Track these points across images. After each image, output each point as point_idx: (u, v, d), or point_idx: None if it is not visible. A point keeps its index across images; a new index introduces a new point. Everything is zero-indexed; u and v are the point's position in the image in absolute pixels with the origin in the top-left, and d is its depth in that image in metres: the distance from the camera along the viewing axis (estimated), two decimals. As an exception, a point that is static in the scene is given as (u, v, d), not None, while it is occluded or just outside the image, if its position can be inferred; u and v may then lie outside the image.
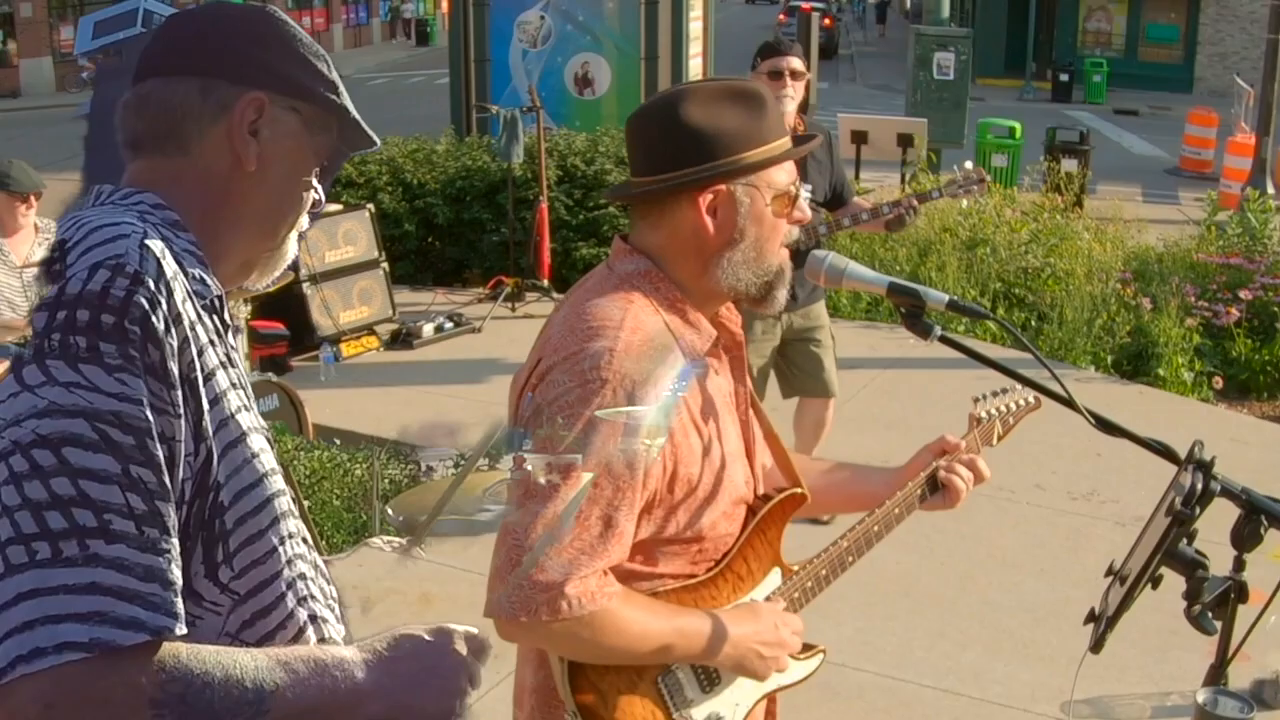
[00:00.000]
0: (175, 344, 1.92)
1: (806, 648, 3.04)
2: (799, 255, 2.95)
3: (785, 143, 2.80)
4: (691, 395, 2.76)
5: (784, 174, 2.80)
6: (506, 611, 2.56)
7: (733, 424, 2.91)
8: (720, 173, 2.71)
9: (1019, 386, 3.37)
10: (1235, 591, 2.77)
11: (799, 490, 2.99)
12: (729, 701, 2.89)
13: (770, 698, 3.05)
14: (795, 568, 2.99)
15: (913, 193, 7.43)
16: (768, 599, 2.92)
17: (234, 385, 2.11)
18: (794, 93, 7.12)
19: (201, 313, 2.05)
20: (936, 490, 3.19)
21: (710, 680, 2.84)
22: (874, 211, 7.25)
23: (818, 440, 7.70)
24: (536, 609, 2.52)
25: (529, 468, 2.57)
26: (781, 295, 2.86)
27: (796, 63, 7.13)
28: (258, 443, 2.13)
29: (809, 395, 7.70)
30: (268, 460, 2.15)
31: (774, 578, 2.96)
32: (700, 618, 2.73)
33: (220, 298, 2.15)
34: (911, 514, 3.17)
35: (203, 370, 1.99)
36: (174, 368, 1.91)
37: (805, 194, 2.87)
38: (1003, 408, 3.42)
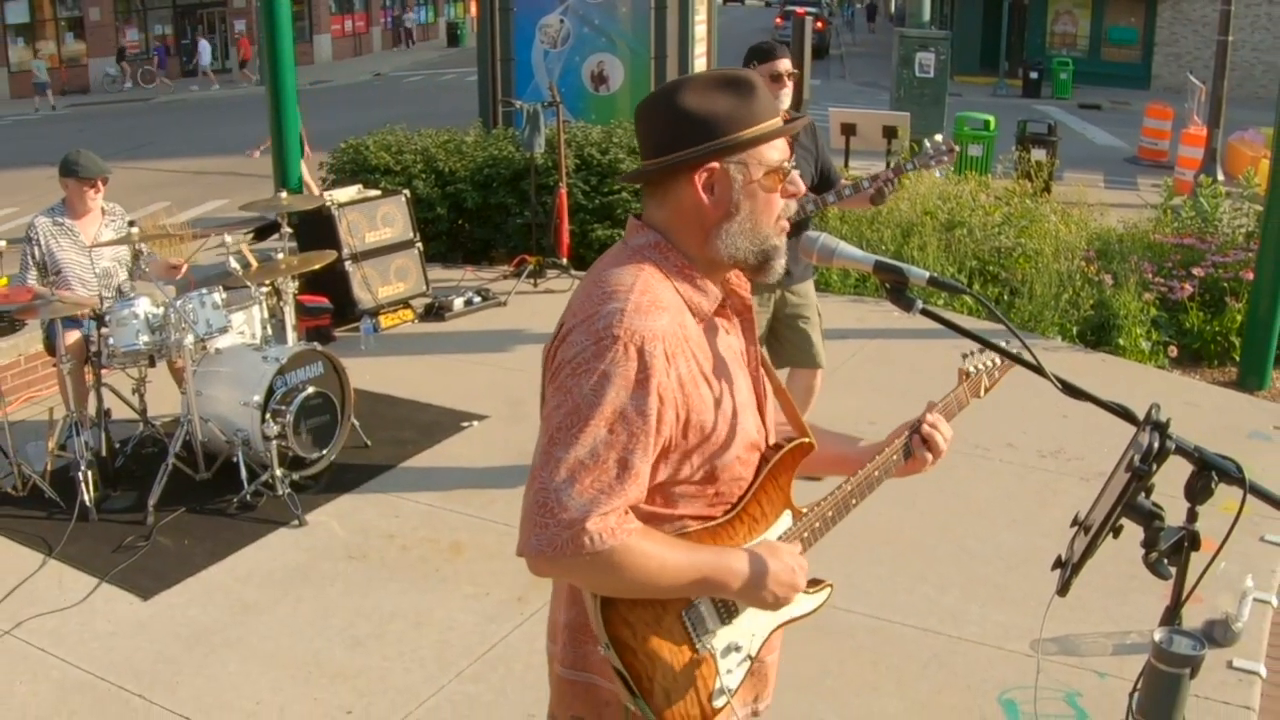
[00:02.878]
0: None
1: (814, 583, 3.05)
2: (791, 233, 2.94)
3: (775, 123, 2.79)
4: (701, 350, 2.76)
5: (775, 152, 2.79)
6: (535, 549, 2.56)
7: (744, 378, 2.91)
8: (712, 151, 2.72)
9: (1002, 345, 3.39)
10: (1189, 540, 2.77)
11: (807, 440, 2.99)
12: (746, 632, 2.90)
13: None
14: (804, 510, 2.99)
15: (890, 166, 7.38)
16: (780, 539, 2.92)
17: None
18: (789, 90, 7.14)
19: None
20: (910, 456, 3.18)
21: (729, 612, 2.85)
22: (855, 186, 7.24)
23: (807, 406, 7.69)
24: (562, 545, 2.54)
25: (553, 417, 2.63)
26: (779, 265, 2.85)
27: (789, 64, 7.15)
28: None
29: (799, 366, 7.69)
30: None
31: (785, 520, 2.96)
32: (717, 554, 2.73)
33: None
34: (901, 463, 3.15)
35: None
36: None
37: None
38: (989, 362, 3.41)
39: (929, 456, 3.17)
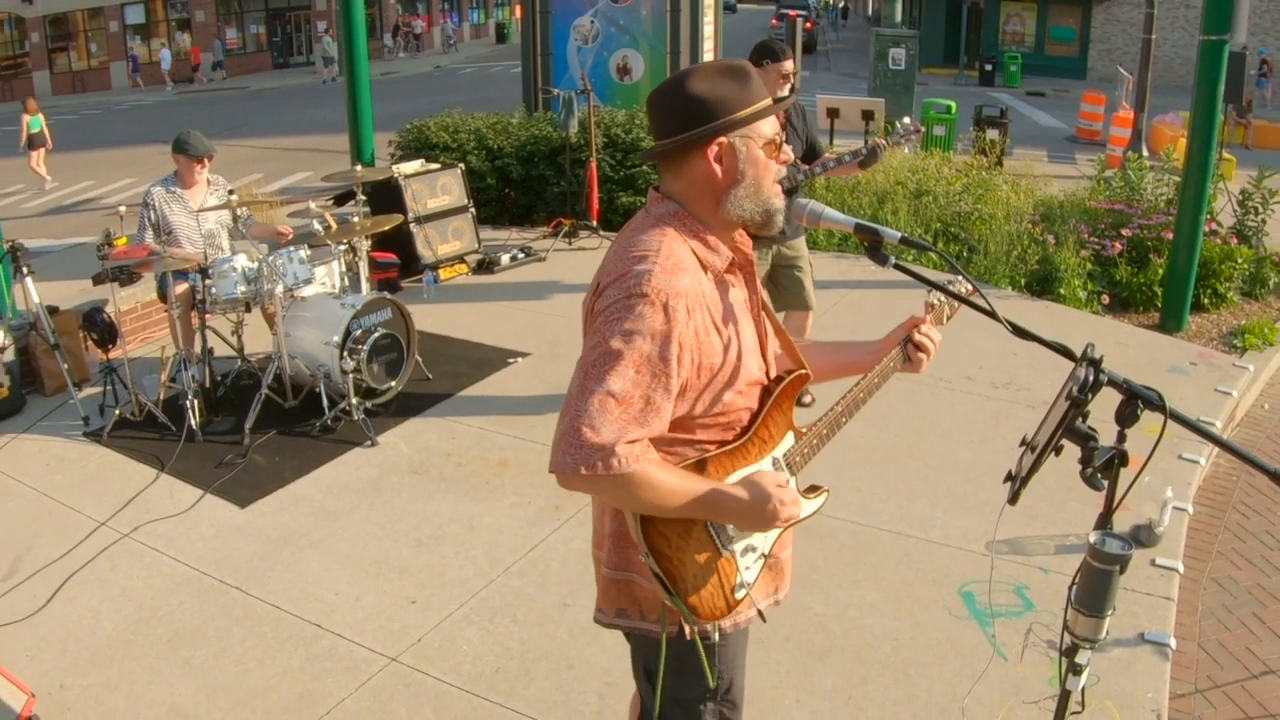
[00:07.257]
0: None
1: (814, 489, 3.09)
2: (784, 197, 2.93)
3: (768, 102, 2.79)
4: (714, 303, 2.75)
5: (769, 126, 2.79)
6: (570, 467, 2.55)
7: (748, 324, 2.89)
8: (720, 128, 2.71)
9: (959, 280, 3.36)
10: (1118, 458, 2.75)
11: (804, 371, 3.00)
12: (760, 534, 2.91)
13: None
14: (804, 430, 3.00)
15: (866, 144, 7.35)
16: (787, 454, 2.94)
17: None
18: (789, 86, 7.12)
19: None
20: (907, 361, 3.19)
21: None
22: (838, 160, 7.22)
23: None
24: (594, 464, 2.53)
25: (589, 356, 2.63)
26: (779, 220, 2.85)
27: (792, 65, 7.12)
28: None
29: (793, 309, 7.66)
30: None
31: (789, 439, 2.96)
32: (718, 489, 2.72)
33: None
34: (888, 381, 3.15)
35: None
36: None
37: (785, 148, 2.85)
38: (945, 297, 3.41)
39: (923, 358, 3.17)
